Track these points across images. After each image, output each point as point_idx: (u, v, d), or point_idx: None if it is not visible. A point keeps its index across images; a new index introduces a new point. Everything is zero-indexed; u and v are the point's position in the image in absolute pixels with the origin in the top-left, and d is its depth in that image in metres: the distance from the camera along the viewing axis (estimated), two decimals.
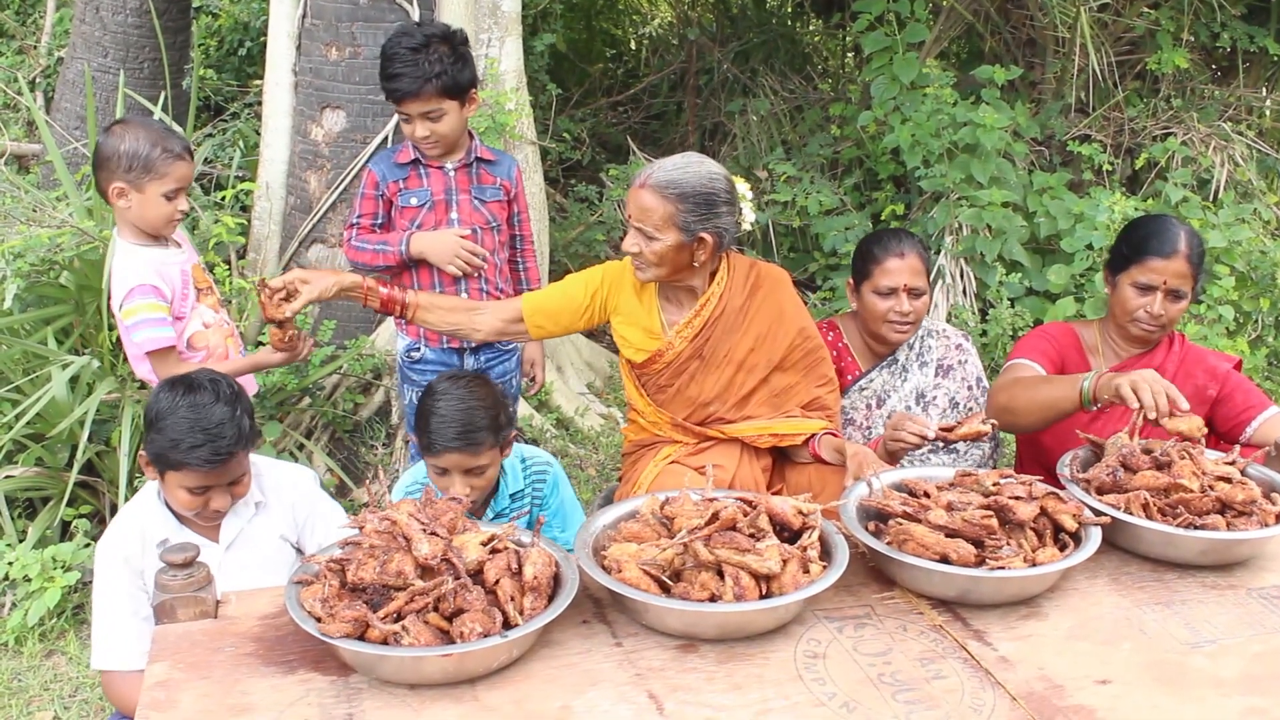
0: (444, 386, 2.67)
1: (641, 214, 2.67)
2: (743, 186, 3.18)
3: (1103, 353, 3.11)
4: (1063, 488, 2.18)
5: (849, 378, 3.25)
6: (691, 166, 2.69)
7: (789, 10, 7.92)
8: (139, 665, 2.21)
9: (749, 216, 5.22)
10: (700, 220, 2.67)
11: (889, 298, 3.12)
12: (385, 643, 1.66)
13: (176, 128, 3.01)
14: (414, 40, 2.96)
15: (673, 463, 2.86)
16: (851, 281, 3.25)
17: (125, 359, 3.29)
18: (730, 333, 2.84)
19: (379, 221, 3.17)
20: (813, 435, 2.84)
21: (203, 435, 2.22)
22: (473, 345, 3.24)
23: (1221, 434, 3.05)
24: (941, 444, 2.90)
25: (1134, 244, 3.02)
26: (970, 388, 3.25)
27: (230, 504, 2.36)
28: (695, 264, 2.73)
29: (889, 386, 3.24)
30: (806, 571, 1.85)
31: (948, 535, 1.95)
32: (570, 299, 2.88)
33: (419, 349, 3.25)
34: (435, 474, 2.66)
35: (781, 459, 2.98)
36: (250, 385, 3.20)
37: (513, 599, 1.75)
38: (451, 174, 3.15)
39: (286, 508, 2.52)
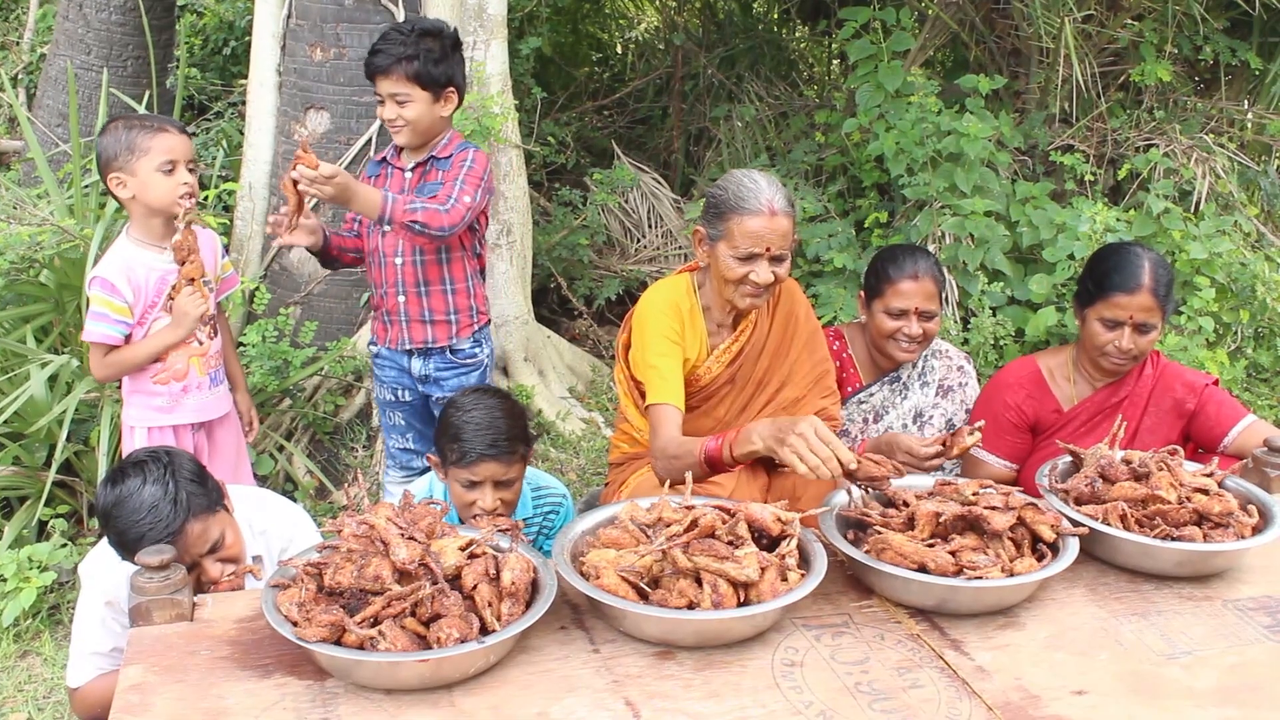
0: (471, 399, 2.64)
1: (784, 239, 2.60)
2: None
3: (1074, 381, 3.09)
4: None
5: (849, 389, 3.24)
6: (769, 177, 2.64)
7: (775, 17, 7.93)
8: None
9: None
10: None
11: (899, 318, 3.10)
12: (361, 647, 1.65)
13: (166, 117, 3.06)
14: (406, 27, 3.05)
15: None
16: (863, 295, 3.24)
17: None
18: (759, 353, 2.82)
19: None
20: None
21: (148, 517, 2.15)
22: (419, 346, 3.22)
23: (1201, 445, 3.05)
24: (947, 461, 2.89)
25: (1098, 279, 2.98)
26: (968, 410, 3.25)
27: (225, 570, 2.26)
28: None
29: (888, 403, 3.24)
30: (785, 579, 1.85)
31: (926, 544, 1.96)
32: (676, 357, 2.70)
33: (375, 344, 3.35)
34: (463, 488, 2.59)
35: (769, 465, 2.97)
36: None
37: (490, 605, 1.74)
38: (408, 175, 3.17)
39: (278, 555, 2.46)
